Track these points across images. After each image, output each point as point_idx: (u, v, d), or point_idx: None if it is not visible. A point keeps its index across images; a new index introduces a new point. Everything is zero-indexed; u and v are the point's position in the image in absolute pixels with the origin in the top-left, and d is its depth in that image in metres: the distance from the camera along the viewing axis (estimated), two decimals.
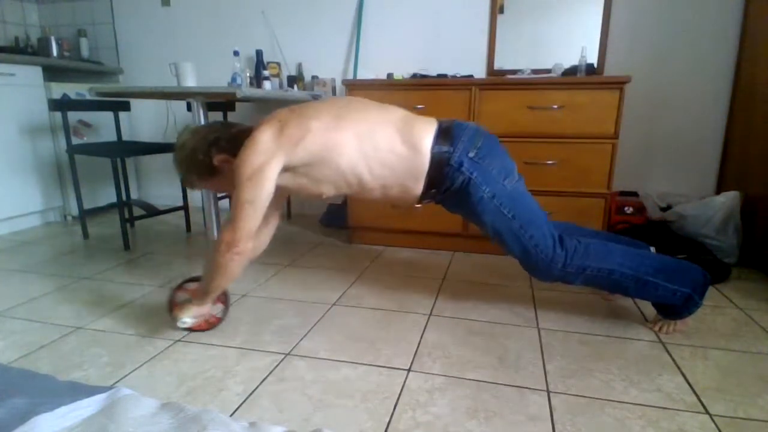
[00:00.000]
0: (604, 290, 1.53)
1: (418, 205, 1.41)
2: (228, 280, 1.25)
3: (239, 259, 1.21)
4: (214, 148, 1.27)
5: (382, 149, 1.23)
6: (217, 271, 1.22)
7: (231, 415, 1.01)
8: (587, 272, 1.32)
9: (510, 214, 1.29)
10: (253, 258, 1.41)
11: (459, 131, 1.28)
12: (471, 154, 1.26)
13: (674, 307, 1.36)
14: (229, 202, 2.90)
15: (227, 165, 1.27)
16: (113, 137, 2.59)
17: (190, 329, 1.38)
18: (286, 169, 1.22)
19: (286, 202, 2.87)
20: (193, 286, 1.42)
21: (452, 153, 1.25)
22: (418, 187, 1.29)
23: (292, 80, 2.65)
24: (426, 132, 1.26)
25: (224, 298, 1.44)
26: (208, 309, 1.36)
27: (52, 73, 2.67)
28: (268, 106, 2.93)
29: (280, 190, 1.27)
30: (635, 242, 1.48)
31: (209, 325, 1.40)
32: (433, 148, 1.24)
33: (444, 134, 1.27)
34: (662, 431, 0.98)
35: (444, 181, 1.28)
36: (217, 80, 2.84)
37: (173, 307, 1.37)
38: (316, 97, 2.46)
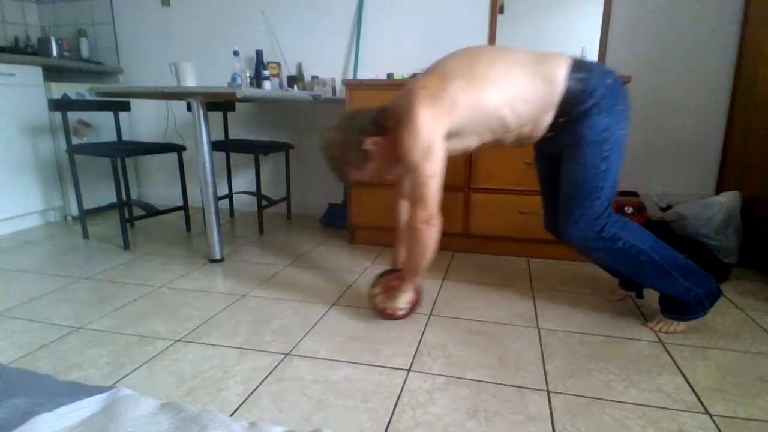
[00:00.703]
0: (619, 274, 1.52)
1: (535, 143, 1.40)
2: (433, 251, 1.34)
3: (438, 230, 1.31)
4: (363, 134, 1.32)
5: (523, 90, 1.25)
6: (424, 247, 1.31)
7: (231, 415, 1.01)
8: (618, 244, 1.32)
9: (606, 153, 1.28)
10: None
11: (593, 64, 1.31)
12: (609, 81, 1.27)
13: (683, 305, 1.37)
14: (229, 202, 2.91)
15: (378, 147, 1.33)
16: (113, 137, 2.59)
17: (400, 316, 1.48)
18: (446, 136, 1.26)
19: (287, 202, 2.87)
20: (383, 281, 1.50)
21: (588, 79, 1.25)
22: (549, 119, 1.29)
23: (292, 80, 2.65)
24: (561, 64, 1.26)
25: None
26: (411, 294, 1.46)
27: (52, 73, 2.67)
28: (268, 107, 2.93)
29: None
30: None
31: (411, 310, 1.51)
32: (569, 76, 1.25)
33: (579, 65, 1.27)
34: (662, 431, 0.98)
35: (575, 106, 1.27)
36: (217, 80, 2.84)
37: (378, 304, 1.48)
38: (316, 98, 2.46)
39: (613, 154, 1.29)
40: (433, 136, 1.22)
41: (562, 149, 1.35)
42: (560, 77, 1.24)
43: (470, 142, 1.34)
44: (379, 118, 1.34)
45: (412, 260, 1.37)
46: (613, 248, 1.33)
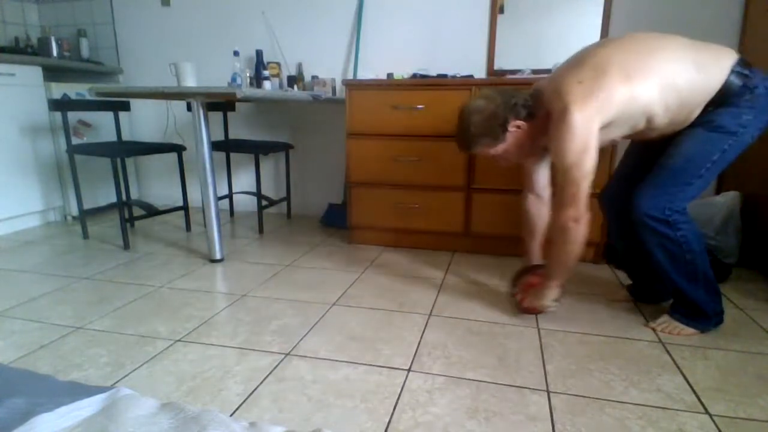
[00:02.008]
0: (653, 264, 1.46)
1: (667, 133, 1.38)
2: (581, 251, 1.34)
3: (586, 229, 1.31)
4: (513, 113, 1.33)
5: (678, 83, 1.23)
6: (573, 245, 1.32)
7: (231, 415, 1.01)
8: (677, 234, 1.31)
9: (727, 146, 1.26)
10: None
11: (755, 68, 1.27)
12: (766, 84, 1.24)
13: (698, 311, 1.39)
14: (229, 202, 2.91)
15: (519, 132, 1.34)
16: (113, 137, 2.59)
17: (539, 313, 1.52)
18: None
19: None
20: (526, 278, 1.55)
21: (752, 77, 1.23)
22: (699, 110, 1.27)
23: (292, 80, 2.65)
24: (726, 56, 1.24)
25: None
26: (558, 290, 1.47)
27: (52, 73, 2.67)
28: (268, 107, 2.93)
29: None
30: None
31: (555, 308, 1.52)
32: (733, 68, 1.22)
33: (745, 61, 1.25)
34: (662, 431, 0.98)
35: (729, 97, 1.24)
36: (217, 80, 2.84)
37: (524, 304, 1.51)
38: (316, 98, 2.46)
39: (731, 152, 1.27)
40: (589, 137, 1.22)
41: (686, 130, 1.32)
42: (723, 69, 1.22)
43: (614, 136, 1.34)
44: (530, 103, 1.34)
45: (560, 258, 1.37)
46: (669, 236, 1.31)
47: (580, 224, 1.29)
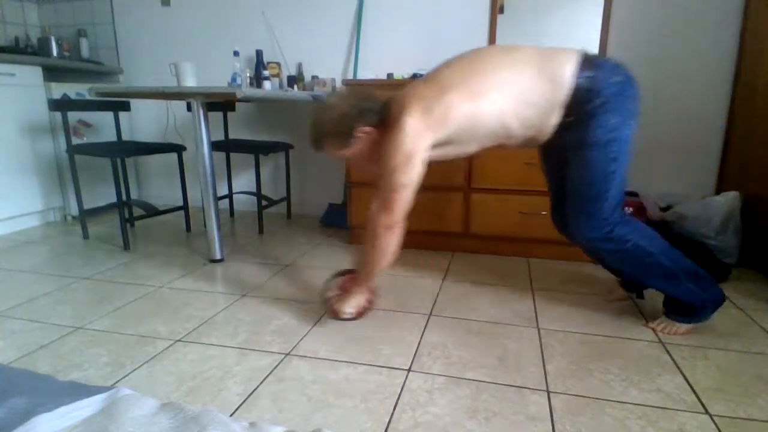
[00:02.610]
0: (623, 274, 1.51)
1: (541, 145, 1.37)
2: (389, 260, 1.34)
3: (398, 239, 1.30)
4: (362, 119, 1.29)
5: (526, 94, 1.22)
6: (380, 253, 1.31)
7: (231, 415, 1.01)
8: (627, 246, 1.31)
9: (613, 154, 1.26)
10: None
11: (602, 60, 1.27)
12: (615, 79, 1.23)
13: (688, 307, 1.37)
14: (229, 202, 2.91)
15: (366, 137, 1.31)
16: (113, 137, 2.59)
17: (353, 318, 1.47)
18: (434, 146, 1.26)
19: (287, 202, 2.87)
20: (339, 281, 1.49)
21: (596, 77, 1.22)
22: (555, 120, 1.26)
23: (292, 80, 2.65)
24: (568, 61, 1.23)
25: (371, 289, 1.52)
26: (363, 298, 1.46)
27: (52, 73, 2.67)
28: (268, 107, 2.93)
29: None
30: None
31: (360, 314, 1.49)
32: (577, 74, 1.22)
33: (588, 61, 1.24)
34: (662, 431, 0.98)
35: (583, 105, 1.24)
36: (217, 80, 2.84)
37: (331, 304, 1.48)
38: (316, 98, 2.46)
39: (621, 155, 1.27)
40: (416, 148, 1.21)
41: (569, 149, 1.33)
42: (567, 76, 1.21)
43: (469, 148, 1.33)
44: (382, 110, 1.32)
45: (366, 263, 1.36)
46: (620, 249, 1.32)
47: (391, 233, 1.28)
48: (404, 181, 1.23)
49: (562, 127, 1.28)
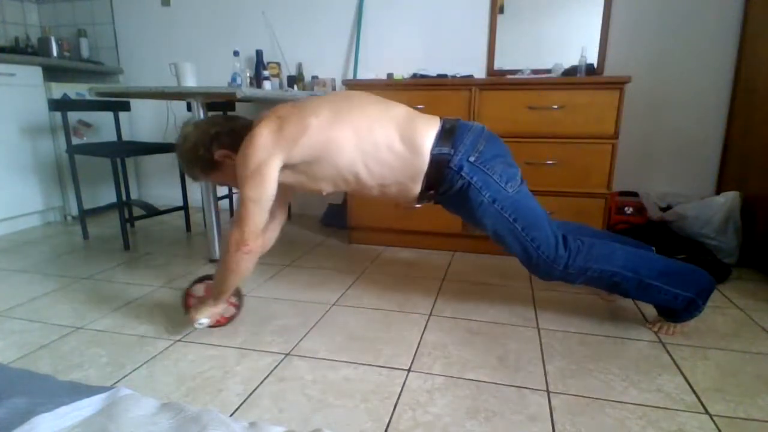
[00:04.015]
0: (605, 291, 1.53)
1: (418, 205, 1.39)
2: (239, 278, 1.26)
3: (249, 257, 1.23)
4: (215, 143, 1.27)
5: (380, 147, 1.22)
6: (228, 271, 1.24)
7: (231, 415, 1.01)
8: (589, 273, 1.31)
9: (511, 217, 1.28)
10: (263, 253, 1.39)
11: (462, 132, 1.26)
12: (472, 158, 1.24)
13: (675, 311, 1.36)
14: (229, 202, 2.91)
15: (228, 160, 1.28)
16: (113, 137, 2.59)
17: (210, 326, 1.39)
18: (285, 167, 1.22)
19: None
20: (205, 285, 1.43)
21: (453, 155, 1.23)
22: (416, 188, 1.28)
23: (292, 80, 2.65)
24: (427, 131, 1.24)
25: (237, 298, 1.46)
26: (221, 308, 1.37)
27: (52, 73, 2.67)
28: (268, 106, 2.93)
29: (282, 186, 1.27)
30: (639, 244, 1.47)
31: (227, 319, 1.43)
32: (433, 148, 1.22)
33: (446, 135, 1.24)
34: (662, 431, 0.98)
35: (443, 183, 1.27)
36: (217, 80, 2.84)
37: (188, 307, 1.39)
38: None
39: (517, 205, 1.27)
40: (265, 161, 1.16)
41: (455, 212, 1.34)
42: (425, 147, 1.22)
43: (324, 186, 1.30)
44: (243, 132, 1.25)
45: (216, 280, 1.29)
46: (585, 276, 1.32)
47: (242, 252, 1.20)
48: (252, 196, 1.17)
49: (434, 197, 1.30)
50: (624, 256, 1.32)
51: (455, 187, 1.27)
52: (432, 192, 1.30)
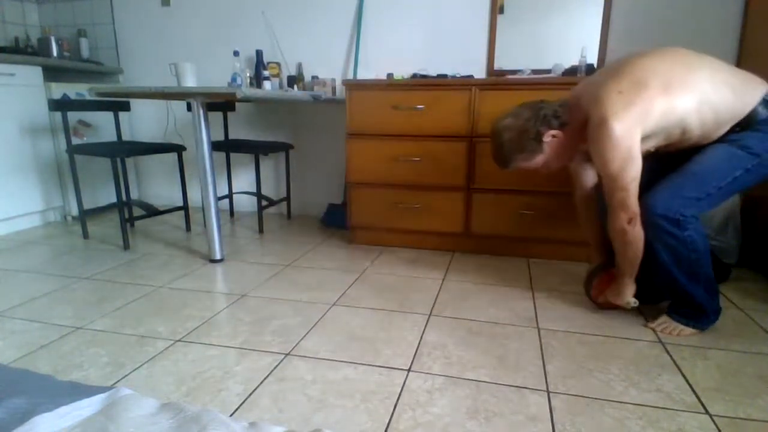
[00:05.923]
0: (662, 265, 1.43)
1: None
2: (641, 248, 1.34)
3: (640, 228, 1.32)
4: (545, 125, 1.37)
5: (714, 102, 1.27)
6: (633, 246, 1.33)
7: (231, 415, 1.01)
8: (684, 234, 1.31)
9: (750, 166, 1.29)
10: None
11: None
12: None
13: (699, 310, 1.39)
14: (229, 202, 2.91)
15: (554, 141, 1.38)
16: (113, 137, 2.59)
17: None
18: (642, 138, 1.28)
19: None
20: (597, 278, 1.56)
21: None
22: (725, 130, 1.32)
23: (292, 80, 2.65)
24: (757, 84, 1.30)
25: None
26: (634, 285, 1.46)
27: (52, 73, 2.67)
28: (268, 107, 2.93)
29: None
30: None
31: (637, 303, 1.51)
32: (764, 97, 1.28)
33: None
34: (662, 431, 0.98)
35: (756, 123, 1.29)
36: (217, 80, 2.84)
37: (595, 299, 1.57)
38: (316, 98, 2.46)
39: (753, 174, 1.30)
40: (632, 145, 1.25)
41: (712, 144, 1.35)
42: (755, 96, 1.27)
43: (651, 144, 1.35)
44: (560, 112, 1.37)
45: (625, 259, 1.39)
46: (675, 235, 1.31)
47: (635, 224, 1.31)
48: (630, 180, 1.27)
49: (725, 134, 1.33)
50: (707, 248, 1.35)
51: (763, 126, 1.29)
52: (738, 128, 1.31)
